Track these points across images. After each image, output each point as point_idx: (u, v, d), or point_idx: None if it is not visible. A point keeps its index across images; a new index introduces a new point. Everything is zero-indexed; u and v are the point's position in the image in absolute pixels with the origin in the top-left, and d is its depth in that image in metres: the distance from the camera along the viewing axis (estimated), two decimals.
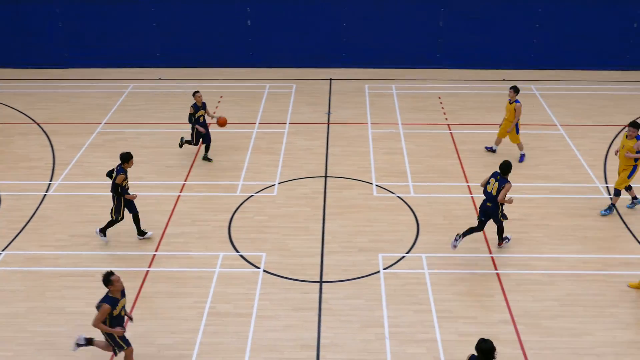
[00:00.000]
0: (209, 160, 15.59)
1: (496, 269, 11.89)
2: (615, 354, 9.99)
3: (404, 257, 12.26)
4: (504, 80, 20.60)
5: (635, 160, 12.87)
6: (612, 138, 16.77)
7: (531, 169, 15.25)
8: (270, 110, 18.52)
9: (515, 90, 14.90)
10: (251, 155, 15.85)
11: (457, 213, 13.57)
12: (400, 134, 17.10)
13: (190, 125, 15.34)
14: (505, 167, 11.69)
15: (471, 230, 12.07)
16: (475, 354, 7.87)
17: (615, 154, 13.51)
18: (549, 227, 13.12)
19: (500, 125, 15.55)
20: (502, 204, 11.76)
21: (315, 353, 10.07)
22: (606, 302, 11.09)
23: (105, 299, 9.02)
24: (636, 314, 10.80)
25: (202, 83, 20.43)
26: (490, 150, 15.97)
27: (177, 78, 20.89)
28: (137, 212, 12.49)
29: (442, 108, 18.64)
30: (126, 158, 12.07)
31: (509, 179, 11.76)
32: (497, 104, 18.72)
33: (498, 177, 11.74)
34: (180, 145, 15.69)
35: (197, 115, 15.05)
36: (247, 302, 11.12)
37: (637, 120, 12.91)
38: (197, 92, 15.08)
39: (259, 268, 11.99)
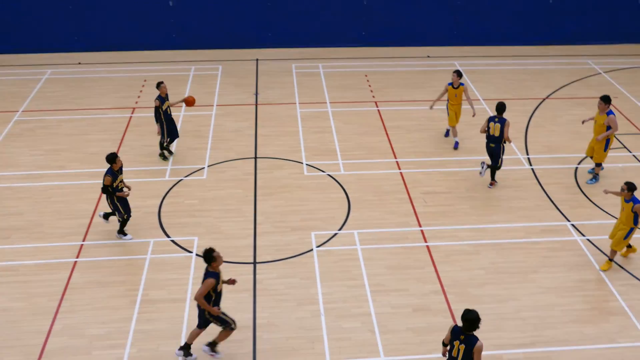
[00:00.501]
0: (171, 153, 14.89)
1: (426, 242, 12.22)
2: (538, 317, 10.50)
3: (336, 234, 12.41)
4: (428, 57, 20.99)
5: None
6: (532, 111, 17.44)
7: None
8: (196, 92, 18.20)
9: (458, 74, 14.92)
10: (179, 139, 15.55)
11: (386, 189, 13.82)
12: (329, 112, 17.19)
13: (158, 121, 14.20)
14: (501, 107, 13.15)
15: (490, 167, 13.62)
16: (459, 324, 7.98)
17: (582, 123, 14.56)
18: (475, 198, 13.56)
19: (448, 113, 15.28)
20: (505, 142, 13.04)
21: (251, 334, 10.10)
22: (528, 268, 11.61)
23: (211, 274, 8.94)
24: (555, 278, 11.37)
25: (124, 67, 19.85)
26: (456, 146, 15.41)
27: (98, 62, 20.20)
28: (129, 215, 12.01)
29: (369, 86, 18.84)
30: (112, 159, 11.54)
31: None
32: (423, 81, 19.08)
33: (496, 119, 13.01)
34: (163, 152, 14.73)
35: (165, 108, 14.18)
36: (181, 287, 11.01)
37: (607, 95, 13.42)
38: (161, 82, 14.09)
39: (191, 252, 11.87)
